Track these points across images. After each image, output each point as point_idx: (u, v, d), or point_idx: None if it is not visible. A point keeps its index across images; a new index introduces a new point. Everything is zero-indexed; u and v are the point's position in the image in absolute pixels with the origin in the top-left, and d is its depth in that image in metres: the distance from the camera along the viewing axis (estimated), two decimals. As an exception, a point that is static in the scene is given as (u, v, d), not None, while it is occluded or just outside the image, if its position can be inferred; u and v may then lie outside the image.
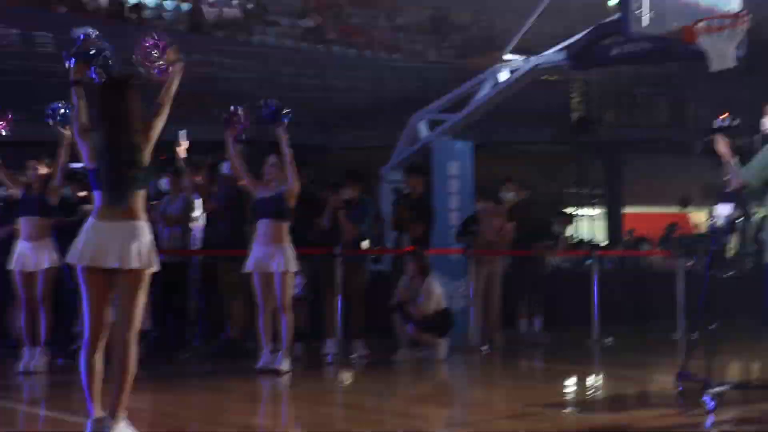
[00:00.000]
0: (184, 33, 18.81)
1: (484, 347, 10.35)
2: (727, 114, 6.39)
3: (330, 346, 9.53)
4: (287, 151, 8.22)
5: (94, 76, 5.23)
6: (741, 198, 6.87)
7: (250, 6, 21.58)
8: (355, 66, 19.42)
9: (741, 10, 10.05)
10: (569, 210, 16.55)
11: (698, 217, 19.12)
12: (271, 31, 21.27)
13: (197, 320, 10.23)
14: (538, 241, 11.47)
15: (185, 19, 19.94)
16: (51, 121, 8.11)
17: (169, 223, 9.74)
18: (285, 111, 8.21)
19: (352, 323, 9.66)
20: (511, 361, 10.03)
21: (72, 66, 5.20)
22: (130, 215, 5.07)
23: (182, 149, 9.41)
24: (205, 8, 20.39)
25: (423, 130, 12.45)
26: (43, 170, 8.68)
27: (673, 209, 18.76)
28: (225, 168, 9.70)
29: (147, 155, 5.15)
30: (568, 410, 6.71)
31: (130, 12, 18.63)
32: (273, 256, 8.19)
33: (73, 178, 9.62)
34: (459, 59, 22.45)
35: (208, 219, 9.95)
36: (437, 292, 9.65)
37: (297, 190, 8.36)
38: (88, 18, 17.15)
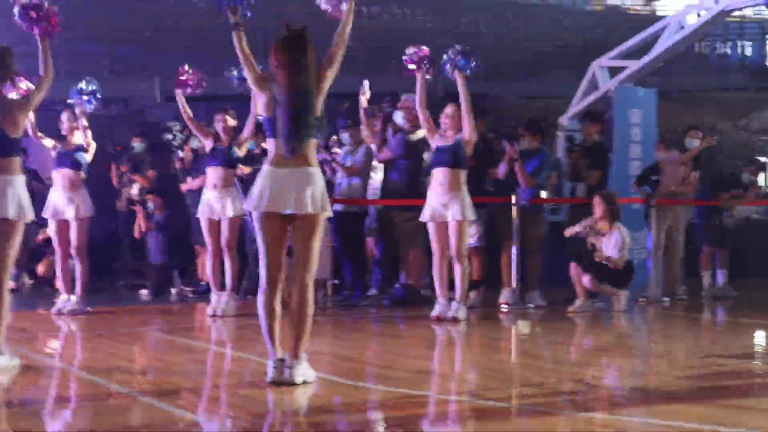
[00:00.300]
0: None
1: (666, 300, 10.08)
2: None
3: (506, 296, 9.50)
4: (466, 100, 8.19)
5: (248, 14, 5.45)
6: None
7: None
8: (534, 13, 19.09)
9: None
10: (760, 158, 15.77)
11: None
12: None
13: (375, 268, 10.46)
14: (726, 190, 11.01)
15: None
16: (236, 81, 8.41)
17: (350, 174, 9.89)
18: (472, 60, 8.17)
19: (529, 273, 9.59)
20: (694, 315, 9.72)
21: (226, 12, 5.43)
22: (304, 162, 5.20)
23: (365, 99, 9.52)
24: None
25: (604, 77, 12.13)
26: (230, 122, 9.01)
27: None
28: (398, 118, 9.76)
29: (320, 104, 5.27)
30: (753, 363, 6.46)
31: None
32: (449, 205, 8.22)
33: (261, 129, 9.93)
34: (645, 5, 21.70)
35: (384, 169, 10.07)
36: (627, 240, 9.27)
37: (474, 140, 8.33)
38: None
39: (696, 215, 11.28)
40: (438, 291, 8.43)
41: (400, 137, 9.68)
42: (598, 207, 9.26)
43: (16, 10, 6.20)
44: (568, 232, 9.47)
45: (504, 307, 9.40)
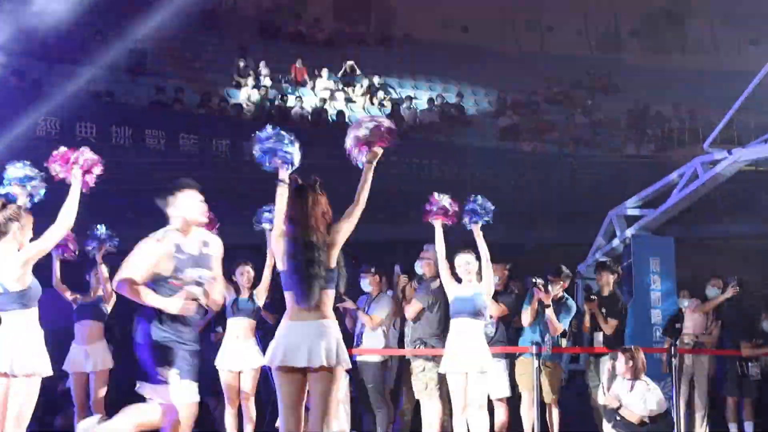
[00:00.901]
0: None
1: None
2: None
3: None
4: (484, 250, 8.22)
5: (294, 166, 5.50)
6: None
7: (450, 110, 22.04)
8: (552, 163, 19.40)
9: None
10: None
11: None
12: (470, 132, 21.66)
13: (396, 418, 10.31)
14: (747, 339, 10.88)
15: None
16: (260, 225, 8.50)
17: (374, 325, 9.86)
18: (485, 212, 8.24)
19: (549, 423, 9.43)
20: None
21: (270, 165, 5.47)
22: (318, 314, 5.23)
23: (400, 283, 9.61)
24: (403, 110, 21.02)
25: (621, 225, 12.24)
26: (250, 272, 9.07)
27: None
28: (418, 267, 9.80)
29: (334, 255, 5.32)
30: None
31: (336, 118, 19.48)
32: (468, 355, 8.15)
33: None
34: (659, 152, 22.06)
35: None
36: (659, 394, 8.93)
37: (492, 289, 8.35)
38: (291, 125, 18.14)
39: (718, 365, 11.13)
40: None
41: (424, 284, 9.70)
42: (624, 364, 9.08)
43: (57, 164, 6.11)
44: (605, 401, 9.19)
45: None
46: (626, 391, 8.89)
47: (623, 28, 30.81)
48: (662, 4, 30.64)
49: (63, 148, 6.15)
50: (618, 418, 8.84)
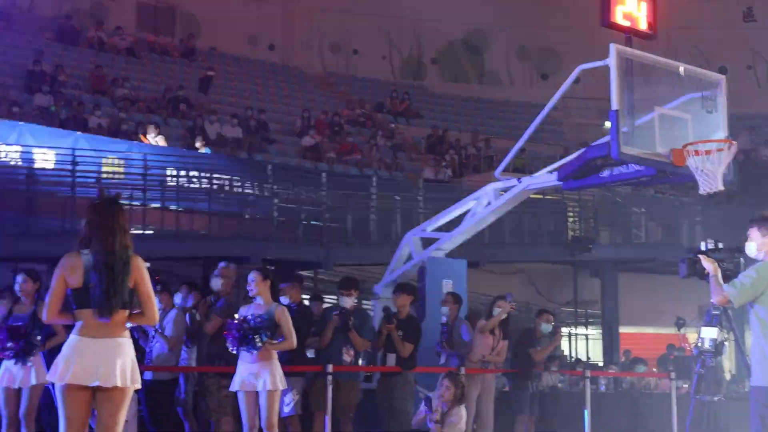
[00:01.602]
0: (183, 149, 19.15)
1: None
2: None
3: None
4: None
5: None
6: (727, 317, 6.92)
7: (252, 124, 21.97)
8: (353, 184, 19.63)
9: (728, 137, 10.24)
10: (565, 329, 16.45)
11: (694, 339, 18.98)
12: (271, 149, 21.64)
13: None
14: (532, 347, 11.21)
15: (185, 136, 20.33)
16: None
17: (171, 345, 9.68)
18: (255, 337, 7.94)
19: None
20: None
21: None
22: (115, 332, 5.12)
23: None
24: (207, 125, 20.78)
25: (417, 247, 12.52)
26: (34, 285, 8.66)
27: (670, 330, 18.68)
28: (212, 284, 9.68)
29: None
30: None
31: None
32: (259, 374, 8.09)
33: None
34: (455, 178, 22.76)
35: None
36: (464, 419, 9.54)
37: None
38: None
39: (507, 384, 11.51)
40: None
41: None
42: (448, 390, 9.43)
43: None
44: (415, 421, 9.52)
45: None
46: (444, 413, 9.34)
47: (425, 55, 31.67)
48: (461, 36, 31.74)
49: None
50: None
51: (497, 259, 18.48)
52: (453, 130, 26.47)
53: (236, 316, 8.13)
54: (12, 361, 8.37)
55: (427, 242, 12.56)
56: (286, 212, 16.96)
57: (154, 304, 5.26)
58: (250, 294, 8.30)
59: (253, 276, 8.28)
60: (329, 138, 23.09)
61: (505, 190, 11.68)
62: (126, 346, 5.13)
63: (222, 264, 9.80)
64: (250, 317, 8.01)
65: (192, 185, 17.16)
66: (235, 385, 8.19)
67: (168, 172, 16.90)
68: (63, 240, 12.33)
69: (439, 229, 12.62)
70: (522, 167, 18.67)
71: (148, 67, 24.81)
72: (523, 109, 27.57)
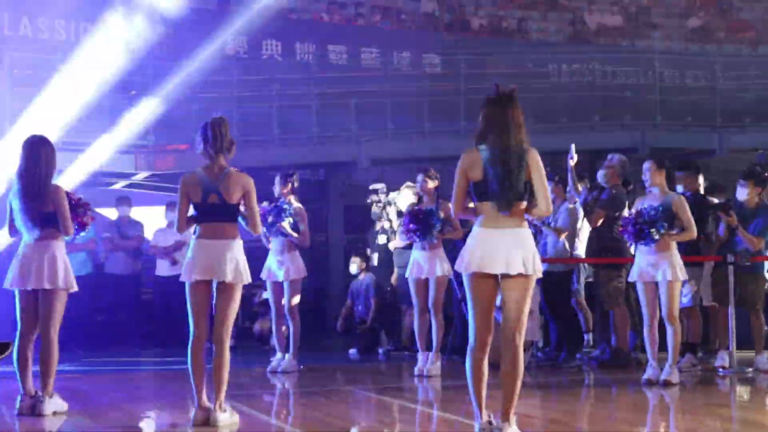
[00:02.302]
0: (564, 43, 19.01)
1: None
2: None
3: (723, 359, 9.10)
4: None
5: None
6: None
7: (632, 10, 21.27)
8: (746, 64, 18.39)
9: None
10: None
11: None
12: (655, 35, 20.80)
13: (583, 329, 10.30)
14: None
15: (567, 29, 20.12)
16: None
17: (559, 235, 9.78)
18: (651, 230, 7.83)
19: (754, 335, 9.14)
20: None
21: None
22: (515, 223, 5.24)
23: (573, 162, 9.44)
24: (586, 17, 20.42)
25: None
26: (430, 184, 9.10)
27: None
28: (599, 176, 9.60)
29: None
30: None
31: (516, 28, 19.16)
32: (658, 265, 7.95)
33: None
34: None
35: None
36: None
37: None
38: (471, 35, 17.99)
39: None
40: (649, 354, 8.15)
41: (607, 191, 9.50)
42: None
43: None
44: None
45: (721, 371, 8.98)
46: None
47: None
48: None
49: None
50: None
51: None
52: None
53: (631, 210, 8.04)
54: (423, 253, 8.90)
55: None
56: (676, 99, 16.31)
57: (548, 196, 5.30)
58: (646, 184, 8.14)
59: (648, 165, 8.10)
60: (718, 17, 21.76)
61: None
62: (527, 236, 5.24)
63: (611, 156, 9.72)
64: (644, 210, 7.88)
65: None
66: (633, 275, 8.13)
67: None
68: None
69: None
70: None
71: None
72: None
